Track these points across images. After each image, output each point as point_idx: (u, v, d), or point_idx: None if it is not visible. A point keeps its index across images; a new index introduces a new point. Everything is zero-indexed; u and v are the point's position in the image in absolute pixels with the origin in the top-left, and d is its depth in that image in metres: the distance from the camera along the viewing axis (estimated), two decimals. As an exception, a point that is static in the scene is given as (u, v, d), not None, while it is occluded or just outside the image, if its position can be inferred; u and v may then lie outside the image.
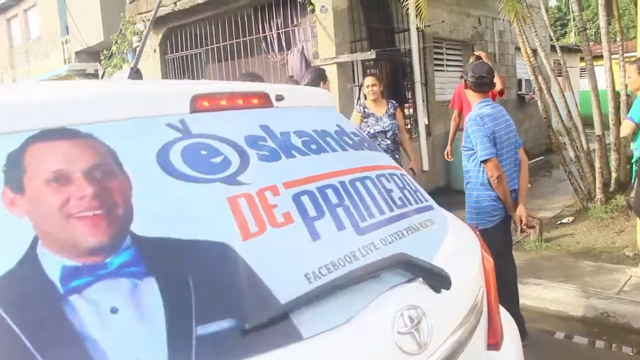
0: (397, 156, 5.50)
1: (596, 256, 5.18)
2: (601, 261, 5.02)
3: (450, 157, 6.65)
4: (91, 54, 14.14)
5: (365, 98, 5.50)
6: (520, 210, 3.51)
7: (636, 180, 4.48)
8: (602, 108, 6.63)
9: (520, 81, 12.49)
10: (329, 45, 7.13)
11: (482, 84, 3.44)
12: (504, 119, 3.48)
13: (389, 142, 5.33)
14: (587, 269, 4.85)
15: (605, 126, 6.54)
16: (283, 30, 7.96)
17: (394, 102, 5.64)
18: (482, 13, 10.43)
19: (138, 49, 10.86)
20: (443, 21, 8.44)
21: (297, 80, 7.62)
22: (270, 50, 8.21)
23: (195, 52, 9.50)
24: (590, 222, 6.16)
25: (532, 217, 5.11)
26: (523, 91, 12.50)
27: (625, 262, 4.89)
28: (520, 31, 6.69)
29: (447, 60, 9.78)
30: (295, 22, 7.73)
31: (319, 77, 5.14)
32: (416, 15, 7.87)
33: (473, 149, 3.39)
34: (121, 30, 11.28)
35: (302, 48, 7.59)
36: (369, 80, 5.46)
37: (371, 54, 6.74)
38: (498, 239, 3.38)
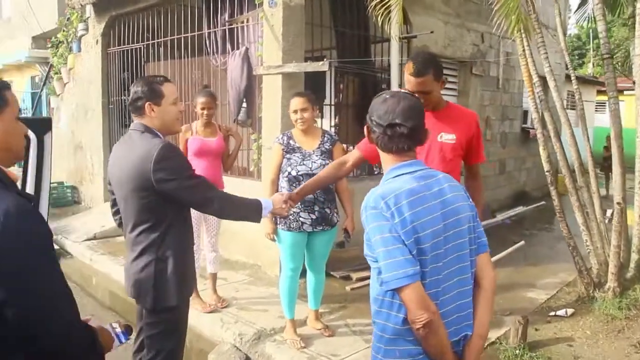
0: (327, 210, 3.97)
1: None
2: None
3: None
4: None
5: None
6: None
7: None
8: (626, 148, 4.98)
9: (525, 113, 10.82)
10: (275, 49, 5.50)
11: (395, 137, 1.83)
12: (441, 199, 1.83)
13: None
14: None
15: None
16: (228, 27, 6.34)
17: (333, 134, 4.18)
18: (486, 29, 8.76)
19: (83, 38, 9.37)
20: (432, 32, 6.80)
21: (239, 92, 6.02)
22: (212, 50, 6.58)
23: (137, 46, 7.93)
24: (596, 322, 4.47)
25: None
26: (528, 124, 10.83)
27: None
28: (523, 50, 5.03)
29: (437, 81, 8.10)
30: (241, 19, 6.10)
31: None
32: (399, 24, 6.26)
33: (377, 261, 1.75)
34: (68, 15, 9.74)
35: (246, 51, 5.96)
36: (296, 102, 3.94)
37: (323, 65, 5.10)
38: None
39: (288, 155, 3.94)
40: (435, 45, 7.61)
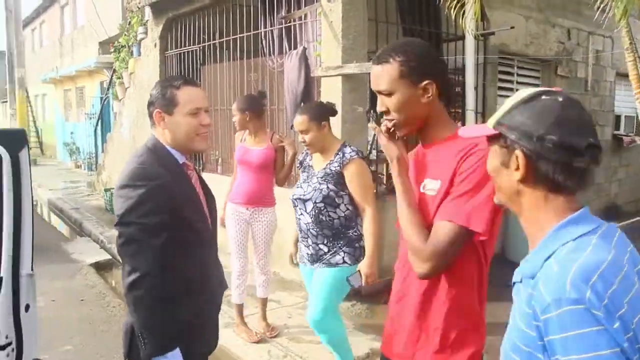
0: (322, 247, 3.18)
1: None
2: None
3: None
4: (116, 45, 12.65)
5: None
6: None
7: None
8: None
9: (618, 118, 9.75)
10: (334, 48, 4.94)
11: (584, 168, 1.20)
12: (637, 269, 1.13)
13: (308, 220, 3.17)
14: None
15: None
16: (284, 25, 5.84)
17: (349, 151, 3.16)
18: (573, 24, 7.87)
19: (143, 42, 9.18)
20: (513, 27, 6.04)
21: (296, 95, 5.50)
22: (268, 51, 6.10)
23: (193, 49, 7.59)
24: None
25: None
26: (621, 131, 9.75)
27: None
28: (630, 43, 4.22)
29: (517, 82, 7.30)
30: (297, 14, 5.58)
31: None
32: (480, 18, 5.56)
33: None
34: (129, 19, 9.61)
35: (304, 51, 5.43)
36: (296, 123, 3.27)
37: (387, 65, 4.48)
38: None
39: (302, 174, 3.37)
40: (515, 43, 6.83)
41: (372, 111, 5.93)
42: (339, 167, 3.11)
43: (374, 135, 6.69)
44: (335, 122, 4.95)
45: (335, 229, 3.16)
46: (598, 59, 8.62)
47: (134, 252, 1.89)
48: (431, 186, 1.68)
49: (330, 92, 5.01)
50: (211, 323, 2.24)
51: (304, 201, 3.12)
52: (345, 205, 3.15)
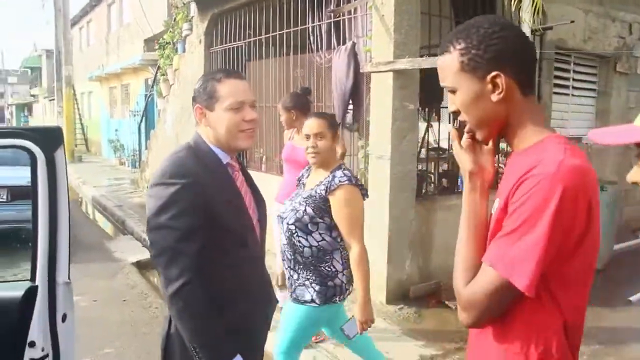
0: (295, 277, 2.80)
1: None
2: None
3: None
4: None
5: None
6: None
7: None
8: None
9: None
10: (385, 43, 4.76)
11: None
12: None
13: (284, 241, 2.82)
14: None
15: None
16: (333, 19, 5.68)
17: (340, 176, 2.71)
18: (635, 18, 7.48)
19: (188, 38, 9.16)
20: (573, 21, 5.74)
21: (345, 92, 5.34)
22: (316, 46, 5.96)
23: (238, 44, 7.51)
24: None
25: None
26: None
27: None
28: None
29: (574, 79, 6.96)
30: (346, 8, 5.41)
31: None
32: (533, 12, 5.30)
33: None
34: (174, 16, 9.61)
35: (353, 46, 5.26)
36: (310, 125, 2.82)
37: (442, 60, 4.27)
38: None
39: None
40: (574, 38, 6.52)
41: (421, 109, 5.70)
42: (324, 192, 2.70)
43: (425, 133, 6.49)
44: (385, 120, 4.79)
45: (305, 258, 2.74)
46: (660, 55, 8.18)
47: (168, 261, 1.73)
48: (495, 206, 1.37)
49: (381, 88, 4.83)
50: (257, 340, 2.06)
51: (282, 219, 2.80)
52: (320, 234, 2.72)
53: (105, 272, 6.23)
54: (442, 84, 1.39)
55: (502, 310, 1.27)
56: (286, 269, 2.87)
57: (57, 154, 1.76)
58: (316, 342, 4.15)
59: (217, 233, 1.80)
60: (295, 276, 2.78)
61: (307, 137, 2.79)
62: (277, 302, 2.18)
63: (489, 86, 1.29)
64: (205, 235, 1.76)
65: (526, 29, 5.37)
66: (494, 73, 1.28)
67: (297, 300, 2.78)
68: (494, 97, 1.30)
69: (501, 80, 1.28)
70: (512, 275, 1.20)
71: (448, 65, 1.35)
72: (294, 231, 2.73)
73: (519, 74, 1.30)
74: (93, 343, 4.22)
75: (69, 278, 1.87)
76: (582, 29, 6.63)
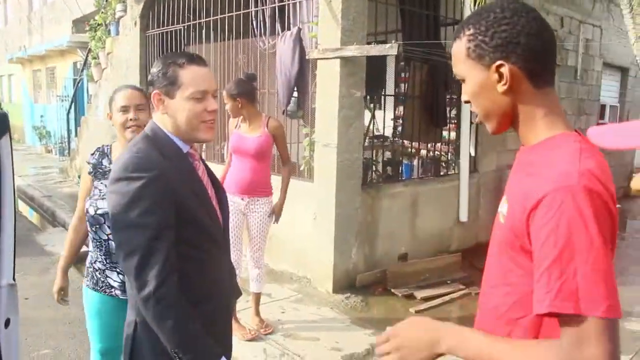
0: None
1: None
2: None
3: None
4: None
5: None
6: None
7: None
8: None
9: (603, 107, 9.71)
10: (332, 29, 4.69)
11: None
12: None
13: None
14: None
15: None
16: (278, 4, 5.55)
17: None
18: (566, 12, 7.76)
19: (122, 20, 8.75)
20: (513, 13, 5.85)
21: (290, 79, 5.25)
22: (259, 31, 5.82)
23: (177, 28, 7.24)
24: None
25: None
26: (606, 120, 9.73)
27: None
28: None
29: (511, 70, 7.15)
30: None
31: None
32: (475, 2, 5.39)
33: None
34: (106, -5, 9.16)
35: (299, 31, 5.17)
36: (130, 96, 2.53)
37: (391, 48, 4.25)
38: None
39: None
40: (511, 29, 6.67)
41: (369, 97, 5.69)
42: None
43: (371, 120, 6.50)
44: (332, 108, 4.74)
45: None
46: (587, 48, 8.54)
47: (141, 262, 1.58)
48: (503, 209, 1.26)
49: (327, 75, 4.77)
50: (226, 336, 1.97)
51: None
52: None
53: (36, 267, 5.86)
54: (454, 71, 1.31)
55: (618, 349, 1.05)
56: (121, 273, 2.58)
57: (2, 142, 1.58)
58: (265, 334, 4.08)
59: (185, 227, 1.68)
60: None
61: (125, 109, 2.47)
62: (241, 294, 2.09)
63: (495, 75, 1.20)
64: (176, 229, 1.64)
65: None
66: (498, 62, 1.19)
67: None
68: (500, 88, 1.21)
69: (505, 70, 1.18)
70: (593, 306, 1.01)
71: (457, 51, 1.26)
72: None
73: (528, 63, 1.19)
74: (27, 344, 3.97)
75: (14, 279, 1.70)
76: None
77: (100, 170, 2.50)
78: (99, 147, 2.61)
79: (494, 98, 1.23)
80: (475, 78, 1.24)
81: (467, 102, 1.30)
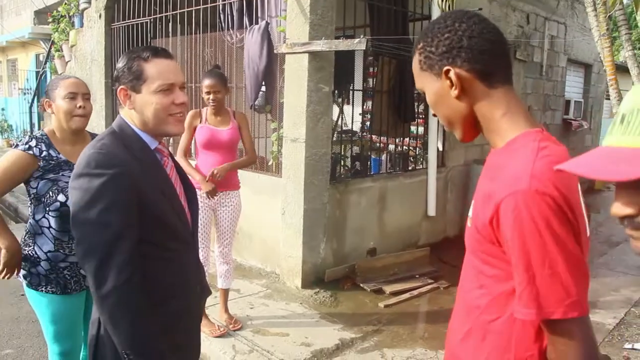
0: None
1: None
2: None
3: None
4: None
5: None
6: None
7: None
8: None
9: (568, 103, 9.90)
10: (300, 24, 4.66)
11: None
12: None
13: None
14: None
15: None
16: (245, -3, 5.50)
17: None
18: (532, 9, 7.88)
19: (86, 12, 8.56)
20: (480, 9, 5.92)
21: (257, 73, 5.20)
22: (226, 25, 5.75)
23: (143, 21, 7.10)
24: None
25: None
26: (570, 115, 9.92)
27: None
28: (607, 29, 4.13)
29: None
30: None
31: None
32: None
33: None
34: (70, -14, 8.94)
35: (267, 26, 5.12)
36: (79, 84, 2.52)
37: (359, 43, 4.25)
38: None
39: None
40: (478, 25, 6.73)
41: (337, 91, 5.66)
42: None
43: (339, 115, 6.49)
44: (300, 102, 4.72)
45: None
46: (552, 45, 8.69)
47: (100, 261, 1.54)
48: (470, 213, 1.27)
49: (295, 70, 4.74)
50: (194, 336, 1.95)
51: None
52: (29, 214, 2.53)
53: (-3, 264, 5.71)
54: (416, 86, 1.35)
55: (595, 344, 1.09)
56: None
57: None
58: (234, 330, 4.05)
59: (150, 225, 1.65)
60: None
61: (73, 95, 2.42)
62: (210, 293, 2.06)
63: (447, 82, 1.23)
64: (139, 228, 1.61)
65: (436, 13, 5.49)
66: (445, 68, 1.22)
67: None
68: (452, 93, 1.23)
69: (452, 74, 1.21)
70: (553, 310, 1.05)
71: (414, 66, 1.31)
72: None
73: (476, 64, 1.20)
74: (-13, 344, 3.87)
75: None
76: (487, 16, 6.83)
77: (54, 162, 2.41)
78: (35, 136, 2.45)
79: (450, 104, 1.25)
80: (431, 88, 1.27)
81: (434, 115, 1.33)
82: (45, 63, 10.97)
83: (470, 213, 1.27)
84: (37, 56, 14.24)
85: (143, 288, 1.60)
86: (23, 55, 15.53)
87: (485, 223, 1.15)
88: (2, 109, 17.06)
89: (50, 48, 10.07)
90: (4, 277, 2.46)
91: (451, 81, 1.21)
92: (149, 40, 7.02)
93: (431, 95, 1.28)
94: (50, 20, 9.79)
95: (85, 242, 1.58)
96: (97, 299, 1.57)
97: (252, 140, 4.14)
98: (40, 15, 12.19)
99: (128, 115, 1.75)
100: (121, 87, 1.72)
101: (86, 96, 2.49)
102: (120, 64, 1.74)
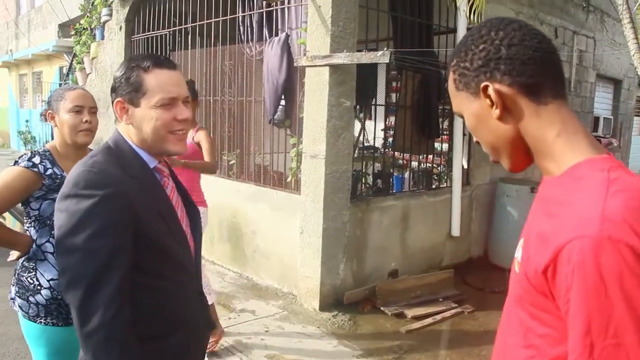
0: None
1: None
2: None
3: None
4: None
5: None
6: None
7: None
8: None
9: (597, 119, 9.59)
10: (321, 36, 4.50)
11: None
12: None
13: None
14: None
15: None
16: (265, 9, 5.37)
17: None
18: (560, 22, 7.63)
19: (107, 25, 8.54)
20: (507, 22, 5.70)
21: (277, 86, 5.05)
22: (246, 37, 5.62)
23: (162, 33, 7.03)
24: None
25: None
26: (599, 132, 9.61)
27: None
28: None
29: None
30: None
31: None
32: (470, 11, 5.22)
33: None
34: (92, 0, 8.95)
35: (287, 38, 4.98)
36: (86, 96, 2.37)
37: (382, 56, 4.07)
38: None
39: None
40: (505, 38, 6.52)
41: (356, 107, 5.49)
42: None
43: (361, 130, 6.31)
44: (320, 117, 4.55)
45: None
46: (581, 60, 8.42)
47: (86, 293, 1.37)
48: (518, 255, 1.05)
49: (316, 83, 4.57)
50: None
51: None
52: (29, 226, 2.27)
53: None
54: (453, 109, 1.15)
55: None
56: None
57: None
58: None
59: (146, 253, 1.47)
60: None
61: (79, 109, 2.24)
62: (214, 326, 1.86)
63: (487, 101, 1.03)
64: (132, 256, 1.43)
65: (462, 29, 5.30)
66: (482, 84, 1.02)
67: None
68: (494, 114, 1.03)
69: (492, 91, 1.01)
70: None
71: (450, 87, 1.11)
72: None
73: (519, 77, 1.00)
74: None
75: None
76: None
77: (59, 181, 2.19)
78: (38, 152, 2.24)
79: (492, 128, 1.05)
80: (469, 110, 1.08)
81: (477, 142, 1.12)
82: (67, 75, 11.00)
83: (518, 254, 1.04)
84: (61, 69, 14.36)
85: (133, 324, 1.41)
86: (48, 67, 15.71)
87: (538, 271, 0.92)
88: (27, 121, 17.25)
89: (72, 60, 10.09)
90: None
91: (491, 99, 1.02)
92: (168, 52, 6.93)
93: (470, 118, 1.08)
94: (72, 33, 9.82)
95: (70, 272, 1.40)
96: (81, 337, 1.38)
97: (210, 148, 3.89)
98: (64, 28, 12.29)
99: (125, 131, 1.58)
100: (118, 99, 1.55)
101: (93, 110, 2.32)
102: (118, 73, 1.56)
